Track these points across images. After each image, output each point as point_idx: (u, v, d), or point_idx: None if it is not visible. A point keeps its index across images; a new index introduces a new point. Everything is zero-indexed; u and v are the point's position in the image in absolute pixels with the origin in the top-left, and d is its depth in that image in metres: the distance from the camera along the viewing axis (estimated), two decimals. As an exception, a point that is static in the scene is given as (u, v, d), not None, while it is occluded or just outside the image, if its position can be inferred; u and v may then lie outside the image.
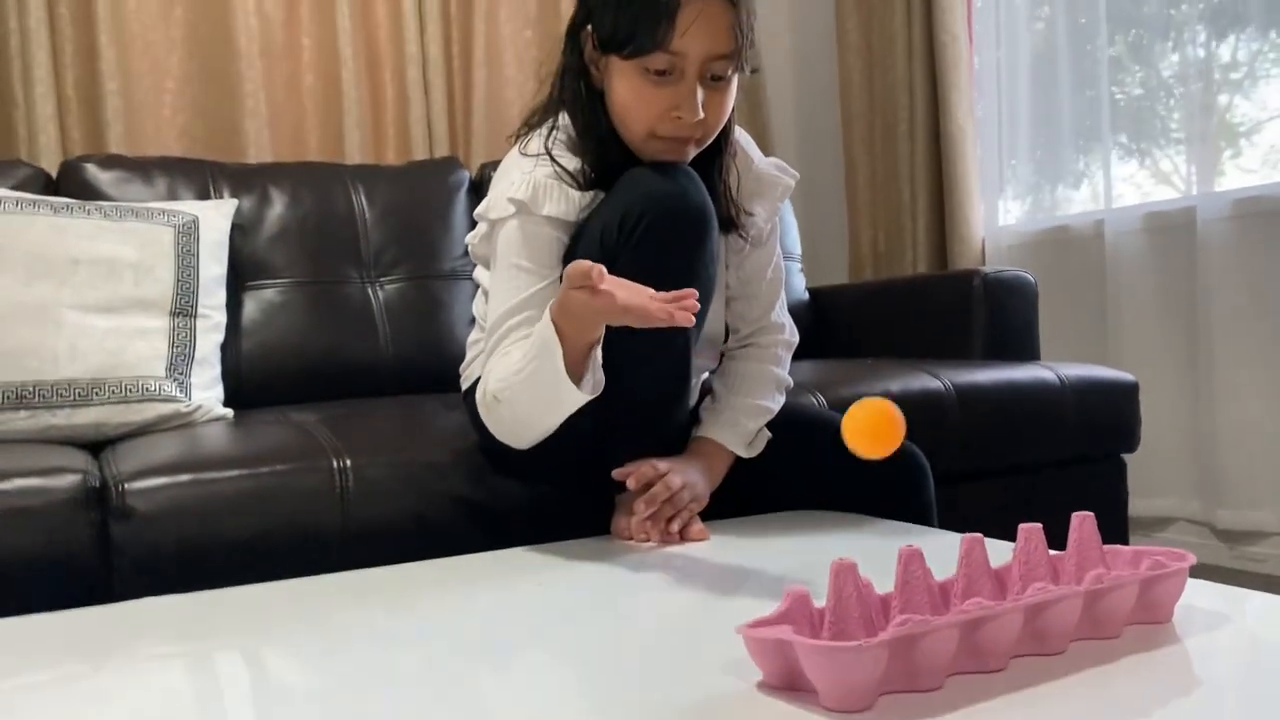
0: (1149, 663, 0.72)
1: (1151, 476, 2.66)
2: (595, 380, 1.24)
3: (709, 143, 1.38)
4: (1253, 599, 0.89)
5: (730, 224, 1.46)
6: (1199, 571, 0.82)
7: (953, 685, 0.68)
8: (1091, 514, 0.79)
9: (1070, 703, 0.67)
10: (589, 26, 1.35)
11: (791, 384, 1.59)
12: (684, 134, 1.32)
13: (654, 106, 1.30)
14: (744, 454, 1.47)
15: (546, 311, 1.21)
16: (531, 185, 1.34)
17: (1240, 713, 0.68)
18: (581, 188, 1.35)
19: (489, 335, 1.37)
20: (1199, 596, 0.84)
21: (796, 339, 1.62)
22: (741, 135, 1.52)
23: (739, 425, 1.47)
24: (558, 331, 1.19)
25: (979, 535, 0.77)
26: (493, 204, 1.40)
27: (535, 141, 1.40)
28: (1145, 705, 0.67)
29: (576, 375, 1.20)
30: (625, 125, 1.35)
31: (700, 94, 1.29)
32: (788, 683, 0.69)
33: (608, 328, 1.21)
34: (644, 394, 1.37)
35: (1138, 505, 2.68)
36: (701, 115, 1.30)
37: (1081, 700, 0.67)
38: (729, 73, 1.32)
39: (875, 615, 0.72)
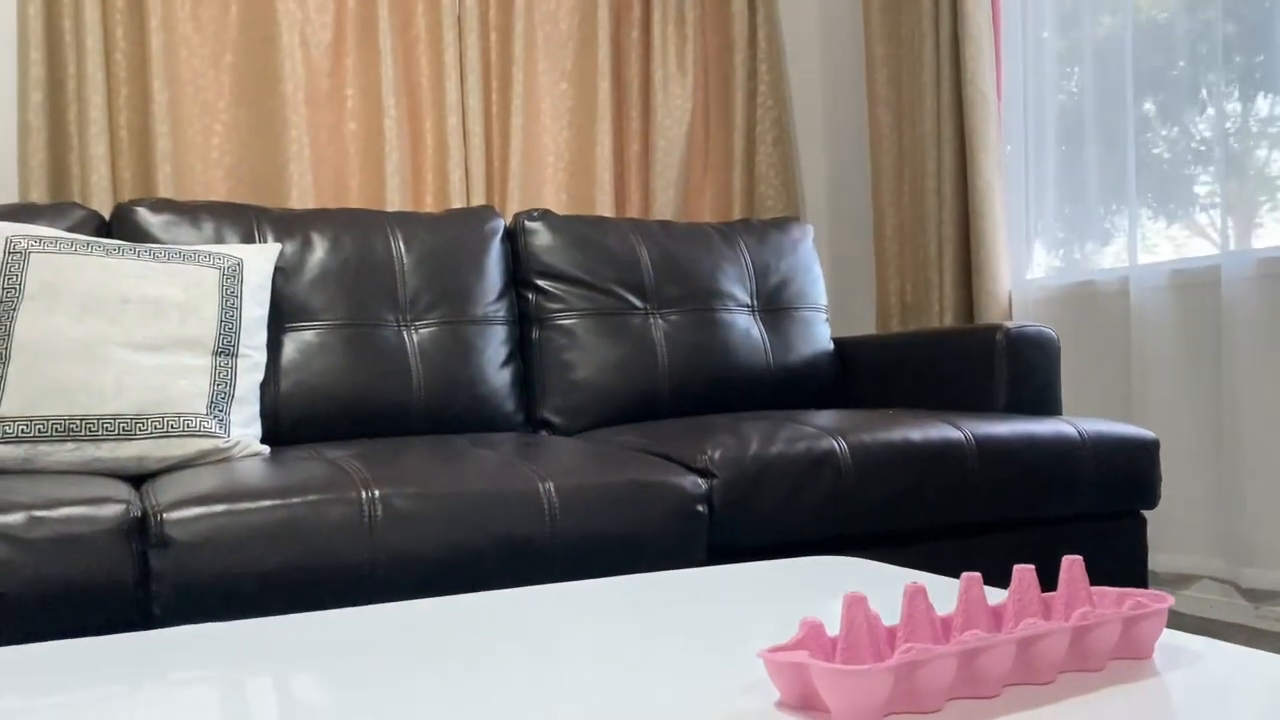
0: (1130, 693, 0.78)
1: (1175, 533, 2.67)
2: None
3: None
4: (1229, 643, 0.94)
5: None
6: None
7: (952, 708, 0.74)
8: (1080, 557, 0.85)
9: (1058, 727, 0.72)
10: None
11: None
12: None
13: None
14: None
15: None
16: None
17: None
18: None
19: None
20: (1179, 637, 0.91)
21: None
22: None
23: None
24: None
25: (977, 575, 0.83)
26: None
27: None
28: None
29: None
30: None
31: None
32: (803, 703, 0.75)
33: None
34: None
35: (1161, 562, 2.69)
36: None
37: (1068, 726, 0.73)
38: None
39: (883, 644, 0.77)
